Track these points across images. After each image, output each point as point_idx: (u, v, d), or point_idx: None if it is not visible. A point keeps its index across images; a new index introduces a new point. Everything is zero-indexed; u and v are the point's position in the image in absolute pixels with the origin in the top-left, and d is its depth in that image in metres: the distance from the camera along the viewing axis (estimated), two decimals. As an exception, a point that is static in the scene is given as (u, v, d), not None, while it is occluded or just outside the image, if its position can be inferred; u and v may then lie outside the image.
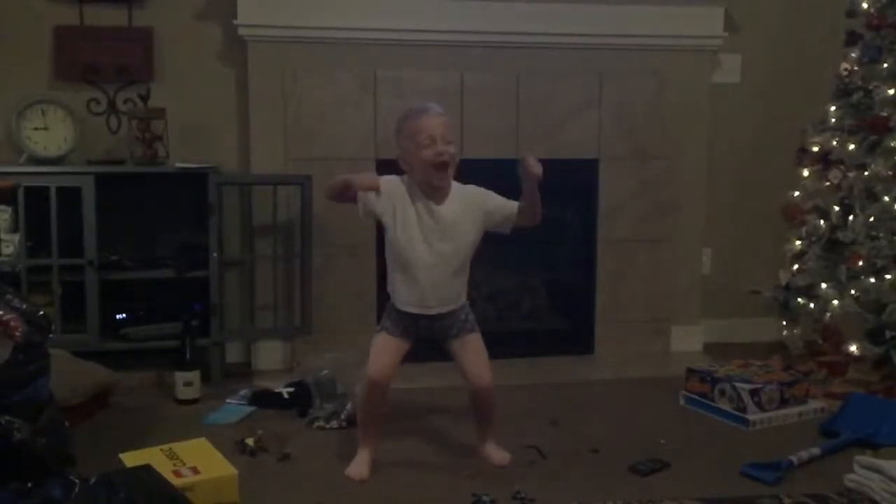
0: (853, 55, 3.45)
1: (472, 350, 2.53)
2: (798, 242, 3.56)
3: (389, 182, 2.46)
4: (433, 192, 2.45)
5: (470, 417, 2.68)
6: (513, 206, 2.49)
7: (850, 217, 3.38)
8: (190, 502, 2.05)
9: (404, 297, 2.49)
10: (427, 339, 2.55)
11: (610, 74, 3.73)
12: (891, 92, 3.32)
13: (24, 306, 2.29)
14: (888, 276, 3.25)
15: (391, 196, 2.45)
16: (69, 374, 2.83)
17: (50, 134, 3.34)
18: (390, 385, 2.52)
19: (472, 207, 2.49)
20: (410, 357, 2.58)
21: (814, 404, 3.09)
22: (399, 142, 2.47)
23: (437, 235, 2.44)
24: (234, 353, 3.68)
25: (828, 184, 3.47)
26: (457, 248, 2.47)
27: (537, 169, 2.37)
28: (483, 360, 2.55)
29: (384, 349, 2.50)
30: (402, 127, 2.46)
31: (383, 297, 3.51)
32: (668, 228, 3.87)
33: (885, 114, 3.32)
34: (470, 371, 2.54)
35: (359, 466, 2.52)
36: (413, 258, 2.44)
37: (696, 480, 2.50)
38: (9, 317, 2.19)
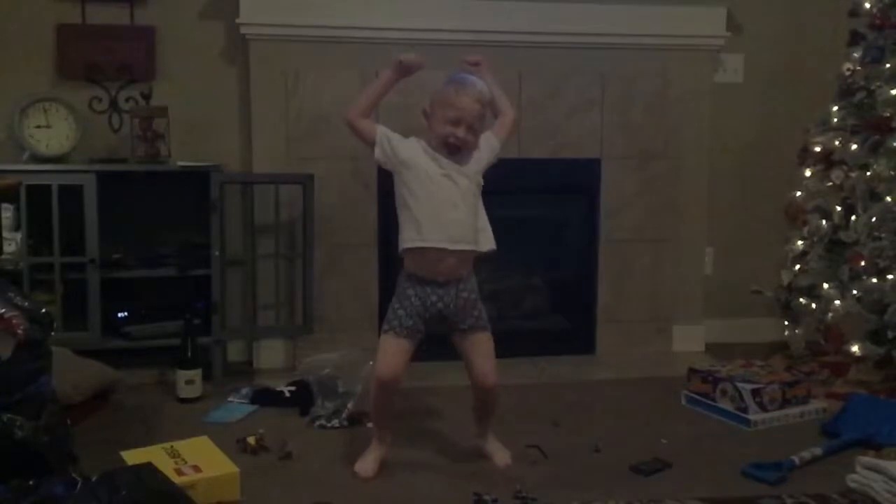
0: (856, 55, 3.45)
1: (481, 349, 2.53)
2: (800, 242, 3.56)
3: (404, 139, 2.50)
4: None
5: (471, 417, 2.68)
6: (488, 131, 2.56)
7: (853, 217, 3.38)
8: (191, 500, 2.05)
9: (418, 234, 2.42)
10: (436, 324, 2.50)
11: (612, 74, 3.73)
12: (893, 92, 3.32)
13: (26, 304, 2.29)
14: (890, 277, 3.25)
15: (405, 144, 2.49)
16: (71, 372, 2.83)
17: (52, 132, 3.34)
18: (399, 384, 2.51)
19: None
20: (413, 356, 2.56)
21: (815, 404, 3.08)
22: (434, 97, 2.49)
23: (447, 170, 2.45)
24: (235, 351, 3.68)
25: (830, 184, 3.47)
26: (464, 181, 2.46)
27: (472, 59, 2.53)
28: (491, 359, 2.54)
29: (391, 349, 2.48)
30: (444, 90, 2.48)
31: (385, 295, 3.52)
32: (670, 228, 3.86)
33: (887, 114, 3.33)
34: (477, 370, 2.53)
35: (367, 463, 2.52)
36: (425, 190, 2.43)
37: (698, 480, 2.50)
38: (11, 314, 2.19)
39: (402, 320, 2.47)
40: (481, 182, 2.52)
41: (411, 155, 2.46)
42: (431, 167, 2.44)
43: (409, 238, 2.45)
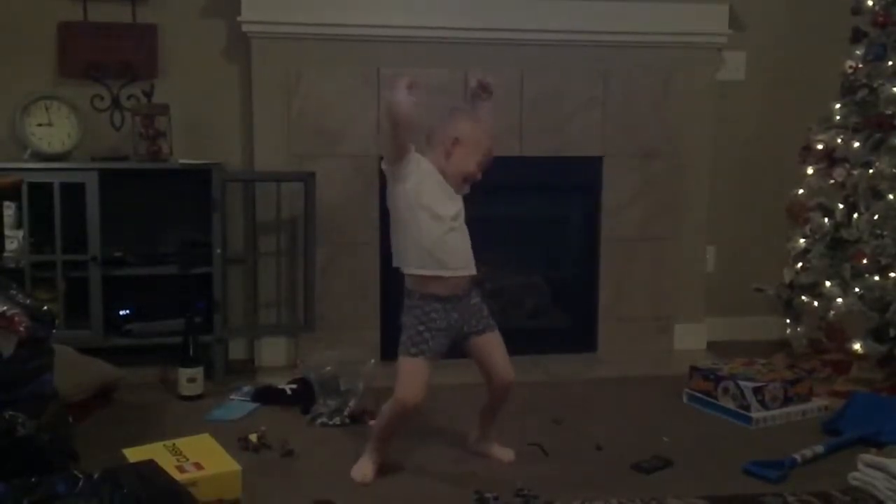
0: (858, 53, 3.45)
1: (497, 347, 2.54)
2: (802, 240, 3.56)
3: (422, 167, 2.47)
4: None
5: (470, 415, 2.68)
6: None
7: (855, 215, 3.38)
8: (193, 498, 2.05)
9: (431, 261, 2.42)
10: (453, 338, 2.49)
11: (614, 72, 3.73)
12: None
13: (28, 302, 2.30)
14: (892, 275, 3.25)
15: (423, 181, 2.45)
16: (73, 369, 2.83)
17: (54, 130, 3.34)
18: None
19: None
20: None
21: (817, 402, 3.09)
22: (461, 132, 2.43)
23: (457, 208, 2.47)
24: (237, 349, 3.67)
25: (832, 182, 3.47)
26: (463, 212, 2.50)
27: (485, 79, 2.49)
28: (507, 355, 2.56)
29: (416, 374, 2.42)
30: (473, 130, 2.44)
31: (386, 294, 3.53)
32: (672, 226, 3.86)
33: (889, 111, 3.33)
34: (499, 368, 2.53)
35: (364, 469, 2.50)
36: (436, 230, 2.42)
37: (700, 478, 2.50)
38: (13, 312, 2.20)
39: (430, 343, 2.42)
40: None
41: (430, 193, 2.41)
42: (446, 208, 2.42)
43: (418, 265, 2.43)
